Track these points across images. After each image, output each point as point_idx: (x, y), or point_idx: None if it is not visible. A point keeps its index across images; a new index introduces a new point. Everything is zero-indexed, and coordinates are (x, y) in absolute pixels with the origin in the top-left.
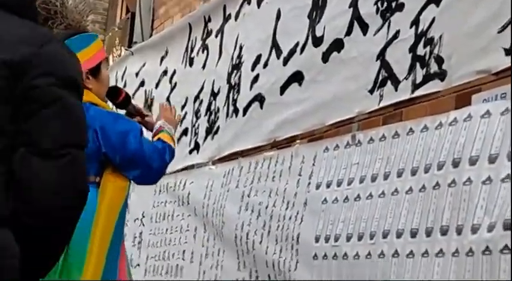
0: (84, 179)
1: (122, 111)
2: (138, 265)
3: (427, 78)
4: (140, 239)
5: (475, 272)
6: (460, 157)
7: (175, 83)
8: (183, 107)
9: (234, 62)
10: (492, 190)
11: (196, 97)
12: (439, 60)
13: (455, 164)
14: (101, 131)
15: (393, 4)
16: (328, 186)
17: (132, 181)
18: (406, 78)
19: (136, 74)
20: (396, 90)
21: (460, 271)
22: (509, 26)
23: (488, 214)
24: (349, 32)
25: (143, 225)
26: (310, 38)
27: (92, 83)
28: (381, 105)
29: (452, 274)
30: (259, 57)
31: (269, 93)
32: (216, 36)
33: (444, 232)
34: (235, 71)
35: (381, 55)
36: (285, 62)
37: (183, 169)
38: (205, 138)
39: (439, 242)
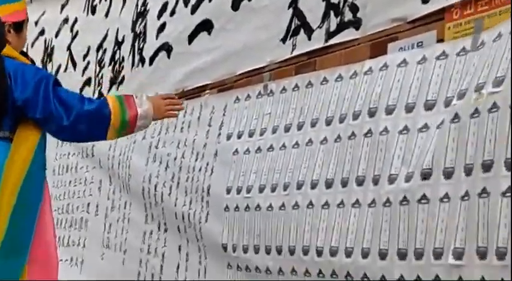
0: None
1: None
2: None
3: (342, 26)
4: None
5: (392, 223)
6: (376, 107)
7: (77, 32)
8: (85, 56)
9: (138, 10)
10: (409, 139)
11: (100, 46)
12: (354, 9)
13: (371, 113)
14: (15, 82)
15: None
16: (239, 137)
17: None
18: (319, 27)
19: (36, 23)
20: (310, 39)
21: (376, 221)
22: None
23: (406, 164)
24: None
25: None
26: None
27: (12, 37)
28: (294, 54)
29: (369, 224)
30: (165, 4)
31: (177, 43)
32: None
33: (360, 182)
34: (140, 19)
35: (294, 3)
36: (193, 10)
37: None
38: (110, 88)
39: (355, 193)
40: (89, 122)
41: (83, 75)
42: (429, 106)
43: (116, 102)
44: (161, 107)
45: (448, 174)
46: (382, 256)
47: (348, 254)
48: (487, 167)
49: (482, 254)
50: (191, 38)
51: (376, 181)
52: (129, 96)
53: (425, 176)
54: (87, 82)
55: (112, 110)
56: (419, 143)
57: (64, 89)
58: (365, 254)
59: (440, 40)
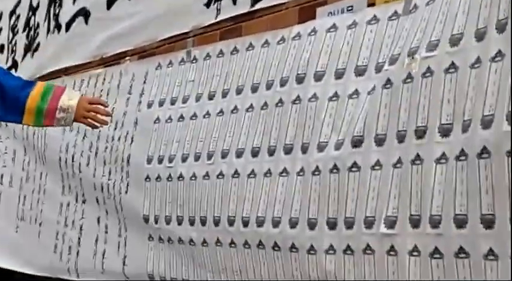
0: None
1: None
2: None
3: None
4: None
5: (321, 192)
6: (305, 73)
7: None
8: None
9: None
10: (339, 106)
11: (13, 12)
12: None
13: (300, 80)
14: None
15: None
16: (161, 105)
17: None
18: None
19: None
20: (235, 3)
21: (305, 190)
22: None
23: (336, 131)
24: None
25: None
26: None
27: None
28: (218, 19)
29: (297, 193)
30: None
31: (95, 8)
32: None
33: (288, 150)
34: None
35: None
36: None
37: None
38: (24, 56)
39: (283, 161)
40: (5, 99)
41: None
42: (360, 72)
43: (41, 89)
44: (80, 109)
45: (380, 141)
46: (311, 225)
47: (275, 224)
48: (420, 133)
49: (415, 223)
50: (110, 2)
51: (304, 149)
52: (60, 87)
53: (356, 143)
54: (0, 49)
55: (32, 94)
56: (350, 110)
57: None
58: (293, 224)
59: (371, 4)
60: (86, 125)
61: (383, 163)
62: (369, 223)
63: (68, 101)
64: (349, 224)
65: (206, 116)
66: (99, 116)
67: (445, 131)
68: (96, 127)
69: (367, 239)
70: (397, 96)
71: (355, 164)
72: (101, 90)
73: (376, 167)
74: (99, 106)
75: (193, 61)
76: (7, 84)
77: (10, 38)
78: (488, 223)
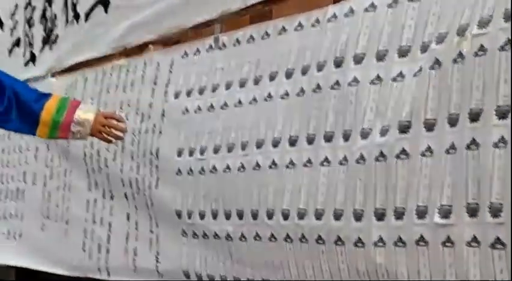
0: None
1: None
2: None
3: None
4: None
5: (367, 181)
6: (343, 56)
7: None
8: (12, 15)
9: None
10: (383, 90)
11: (28, 4)
12: None
13: (338, 63)
14: None
15: None
16: (188, 94)
17: None
18: None
19: None
20: None
21: (350, 179)
22: None
23: (380, 117)
24: None
25: None
26: None
27: None
28: (247, 3)
29: (341, 183)
30: None
31: None
32: None
33: (329, 138)
34: None
35: None
36: None
37: None
38: (42, 48)
39: (324, 150)
40: (20, 111)
41: (11, 36)
42: (403, 53)
43: (57, 101)
44: (96, 124)
45: (430, 126)
46: (358, 216)
47: (318, 216)
48: (474, 116)
49: (472, 212)
50: None
51: (347, 137)
52: (76, 101)
53: (404, 129)
54: (17, 43)
55: (47, 106)
56: (395, 94)
57: (4, 73)
58: (338, 216)
59: None
60: (100, 140)
61: (434, 148)
62: (421, 213)
63: (83, 114)
64: (399, 215)
65: (238, 104)
66: (114, 131)
67: (503, 113)
68: (111, 142)
69: (420, 230)
70: (446, 78)
71: (403, 151)
72: (124, 81)
73: (427, 154)
74: (115, 121)
75: (222, 48)
76: (23, 96)
77: (26, 31)
78: None
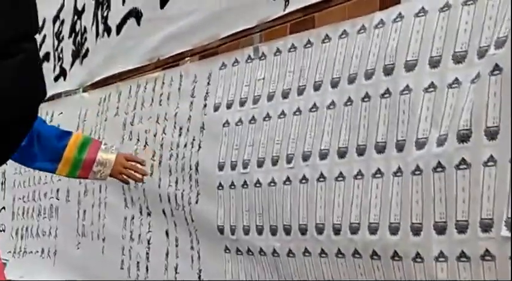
0: (43, 82)
1: None
2: (4, 208)
3: None
4: (3, 179)
5: (425, 193)
6: (394, 63)
7: None
8: (40, 29)
9: None
10: (438, 97)
11: (56, 17)
12: None
13: (388, 71)
14: None
15: None
16: (228, 107)
17: None
18: None
19: None
20: None
21: (405, 192)
22: None
23: (436, 126)
24: None
25: (6, 164)
26: None
27: None
28: (287, 11)
29: (396, 196)
30: None
31: (147, 7)
32: None
33: (381, 149)
34: None
35: None
36: None
37: (48, 99)
38: (73, 63)
39: (375, 161)
40: (42, 148)
41: (39, 50)
42: (459, 59)
43: (79, 139)
44: (118, 166)
45: (492, 134)
46: (416, 231)
47: (373, 230)
48: None
49: None
50: (163, 1)
51: (400, 147)
52: (98, 141)
53: (463, 138)
54: (46, 57)
55: (70, 144)
56: (451, 101)
57: None
58: (394, 230)
59: None
60: (119, 181)
61: (497, 158)
62: (486, 226)
63: (105, 154)
64: (462, 228)
65: (281, 116)
66: (135, 173)
67: None
68: (128, 183)
69: (485, 244)
70: (508, 83)
71: (463, 161)
72: (161, 95)
73: (490, 163)
74: (137, 164)
75: (262, 58)
76: (45, 133)
77: (55, 45)
78: None
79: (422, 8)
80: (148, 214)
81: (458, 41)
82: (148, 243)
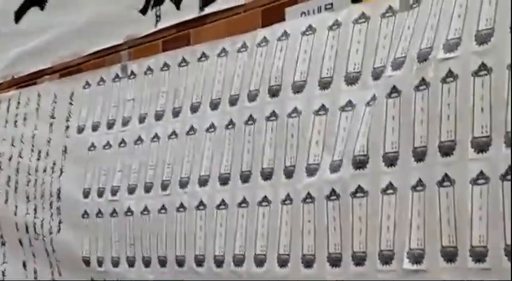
0: None
1: None
2: None
3: None
4: None
5: (318, 222)
6: (280, 84)
7: None
8: None
9: None
10: (330, 120)
11: None
12: None
13: (274, 92)
14: None
15: None
16: (94, 129)
17: None
18: None
19: None
20: (178, 8)
21: (295, 221)
22: None
23: (329, 151)
24: None
25: None
26: None
27: None
28: (159, 27)
29: (285, 225)
30: None
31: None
32: None
33: (267, 175)
34: None
35: None
36: None
37: None
38: None
39: (262, 188)
40: None
41: None
42: (351, 80)
43: None
44: None
45: (390, 160)
46: (308, 262)
47: (259, 262)
48: (447, 149)
49: (449, 256)
50: (18, 14)
51: (289, 173)
52: None
53: (360, 164)
54: None
55: None
56: (344, 125)
57: None
58: (283, 262)
59: (356, 0)
60: None
61: (397, 185)
62: (386, 258)
63: None
64: (359, 260)
65: (155, 139)
66: None
67: (481, 146)
68: None
69: (385, 277)
70: (409, 106)
71: (359, 189)
72: (16, 115)
73: (389, 191)
74: None
75: (131, 77)
76: None
77: None
78: None
79: (310, 25)
80: (3, 244)
81: (350, 61)
82: (3, 274)
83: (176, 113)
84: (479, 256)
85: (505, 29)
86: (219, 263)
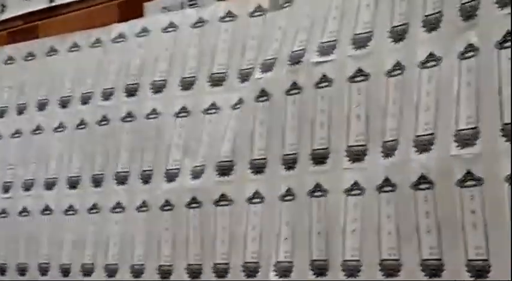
0: None
1: None
2: None
3: None
4: None
5: (178, 231)
6: (138, 83)
7: None
8: None
9: None
10: (191, 123)
11: None
12: None
13: (131, 91)
14: None
15: None
16: None
17: None
18: None
19: None
20: None
21: (153, 229)
22: None
23: (191, 156)
24: None
25: None
26: None
27: None
28: (3, 17)
29: (141, 234)
30: None
31: None
32: None
33: (122, 179)
34: None
35: None
36: None
37: None
38: None
39: (116, 193)
40: None
41: None
42: (216, 81)
43: None
44: None
45: (258, 167)
46: (165, 274)
47: (112, 272)
48: (320, 157)
49: (320, 270)
50: None
51: (146, 178)
52: None
53: (224, 170)
54: None
55: None
56: (208, 129)
57: None
58: (137, 273)
59: None
60: None
61: (264, 194)
62: (251, 270)
63: None
64: (221, 272)
65: None
66: None
67: (356, 156)
68: None
69: None
70: (278, 112)
71: (223, 197)
72: None
73: (256, 200)
74: None
75: None
76: None
77: None
78: None
79: (172, 22)
80: None
81: (215, 61)
82: None
83: (21, 110)
84: (351, 270)
85: (383, 33)
86: (65, 272)
